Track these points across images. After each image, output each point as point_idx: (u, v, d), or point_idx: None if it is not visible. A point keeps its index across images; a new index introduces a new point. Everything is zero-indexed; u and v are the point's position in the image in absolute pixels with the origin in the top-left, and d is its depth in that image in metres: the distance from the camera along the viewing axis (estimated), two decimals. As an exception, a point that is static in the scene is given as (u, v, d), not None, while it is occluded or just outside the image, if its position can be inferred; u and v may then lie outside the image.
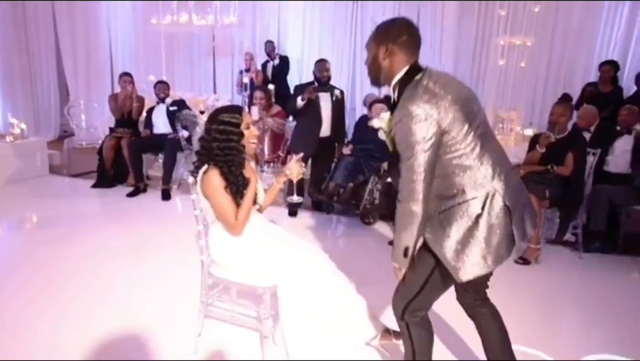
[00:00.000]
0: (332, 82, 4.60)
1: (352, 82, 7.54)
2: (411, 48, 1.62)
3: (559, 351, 2.39)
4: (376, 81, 1.71)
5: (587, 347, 2.47)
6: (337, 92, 4.58)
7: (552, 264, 3.56)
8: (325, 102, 4.46)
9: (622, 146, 4.05)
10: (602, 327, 2.71)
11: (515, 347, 1.92)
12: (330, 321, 2.05)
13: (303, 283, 2.00)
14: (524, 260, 3.56)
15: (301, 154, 2.28)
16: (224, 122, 2.04)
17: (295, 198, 2.34)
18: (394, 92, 1.67)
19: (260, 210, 2.28)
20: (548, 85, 6.38)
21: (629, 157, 3.99)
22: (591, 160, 3.68)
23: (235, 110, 2.12)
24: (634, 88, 5.37)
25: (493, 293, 2.97)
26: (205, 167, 2.07)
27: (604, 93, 5.25)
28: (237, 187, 2.05)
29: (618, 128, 4.12)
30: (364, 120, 5.12)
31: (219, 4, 6.88)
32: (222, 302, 2.31)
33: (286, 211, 4.56)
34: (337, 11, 7.27)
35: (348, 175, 4.40)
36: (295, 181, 2.26)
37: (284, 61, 7.13)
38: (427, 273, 1.69)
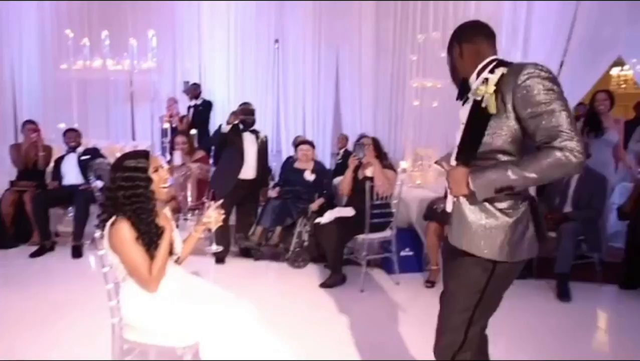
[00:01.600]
0: (257, 125, 4.60)
1: (277, 124, 7.61)
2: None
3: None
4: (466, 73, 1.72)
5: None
6: (262, 135, 4.59)
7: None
8: (250, 144, 4.44)
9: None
10: (526, 351, 2.82)
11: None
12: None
13: (226, 337, 1.86)
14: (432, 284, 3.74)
15: (220, 201, 2.20)
16: (129, 168, 1.93)
17: (214, 248, 2.23)
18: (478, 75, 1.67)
19: (178, 262, 2.14)
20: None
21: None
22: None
23: (141, 154, 2.01)
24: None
25: (407, 319, 2.97)
26: (113, 218, 1.91)
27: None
28: (149, 237, 1.91)
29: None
30: (290, 161, 5.15)
31: (136, 48, 6.69)
32: (139, 369, 2.09)
33: (212, 260, 4.36)
34: (258, 54, 7.39)
35: (275, 218, 4.34)
36: (214, 229, 2.16)
37: (207, 105, 7.05)
38: (470, 311, 1.64)
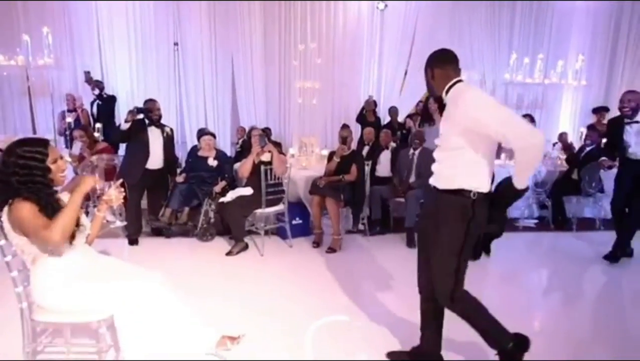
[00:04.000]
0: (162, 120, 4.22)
1: (181, 117, 7.08)
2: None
3: (357, 311, 2.63)
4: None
5: (379, 304, 2.78)
6: (167, 129, 4.23)
7: (351, 248, 3.96)
8: (155, 137, 4.06)
9: (385, 157, 4.78)
10: (384, 289, 3.10)
11: (331, 318, 2.01)
12: (170, 337, 1.81)
13: (139, 307, 1.71)
14: (331, 250, 3.86)
15: (120, 180, 1.98)
16: (26, 157, 1.60)
17: (118, 223, 1.99)
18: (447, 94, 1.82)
19: (88, 242, 1.88)
20: (334, 117, 7.15)
21: (389, 165, 4.74)
22: (367, 168, 4.23)
23: (39, 143, 1.66)
24: (388, 118, 6.43)
25: (314, 277, 3.07)
26: (9, 202, 1.59)
27: (370, 121, 6.15)
28: (52, 208, 1.61)
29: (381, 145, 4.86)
30: (194, 150, 4.85)
31: (29, 44, 5.61)
32: (54, 346, 1.83)
33: (126, 241, 3.96)
34: (159, 55, 6.73)
35: (183, 200, 4.09)
36: (115, 206, 1.94)
37: (110, 99, 6.25)
38: (458, 249, 1.75)
